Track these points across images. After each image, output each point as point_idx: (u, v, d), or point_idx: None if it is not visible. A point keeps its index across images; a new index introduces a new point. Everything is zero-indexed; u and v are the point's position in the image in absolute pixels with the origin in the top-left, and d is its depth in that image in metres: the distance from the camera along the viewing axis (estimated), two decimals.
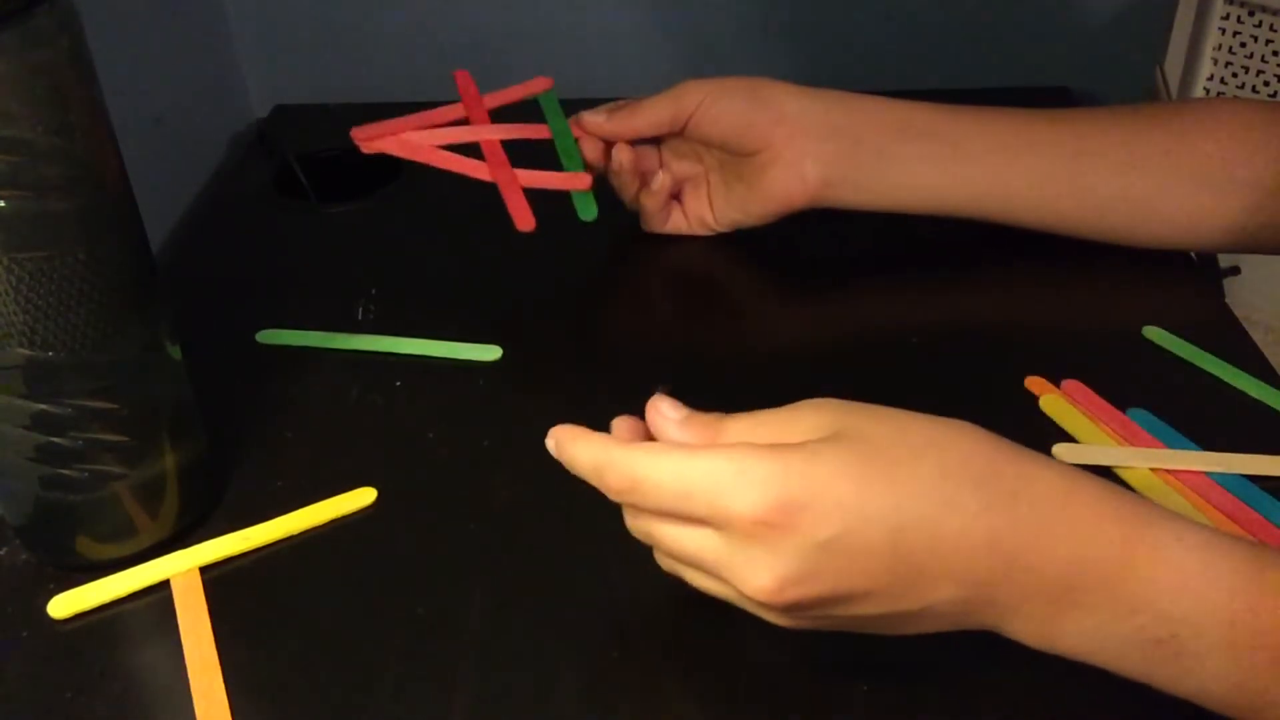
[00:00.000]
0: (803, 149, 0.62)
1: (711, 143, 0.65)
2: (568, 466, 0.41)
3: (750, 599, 0.38)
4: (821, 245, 0.69)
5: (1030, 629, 0.38)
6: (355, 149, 0.82)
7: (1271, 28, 0.82)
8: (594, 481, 0.40)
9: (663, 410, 0.41)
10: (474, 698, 0.42)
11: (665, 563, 0.42)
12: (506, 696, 0.43)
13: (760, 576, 0.37)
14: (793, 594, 0.37)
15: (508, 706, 0.43)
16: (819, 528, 0.36)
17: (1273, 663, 0.36)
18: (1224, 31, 0.84)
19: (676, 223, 0.69)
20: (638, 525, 0.41)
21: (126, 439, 0.46)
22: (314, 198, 0.77)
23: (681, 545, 0.39)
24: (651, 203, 0.67)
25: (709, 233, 0.69)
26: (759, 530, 0.36)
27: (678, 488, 0.38)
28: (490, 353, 0.60)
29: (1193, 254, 0.67)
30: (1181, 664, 0.36)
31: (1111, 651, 0.37)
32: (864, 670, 0.43)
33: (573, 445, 0.41)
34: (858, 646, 0.40)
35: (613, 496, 0.40)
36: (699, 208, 0.68)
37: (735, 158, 0.64)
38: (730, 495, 0.37)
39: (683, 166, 0.68)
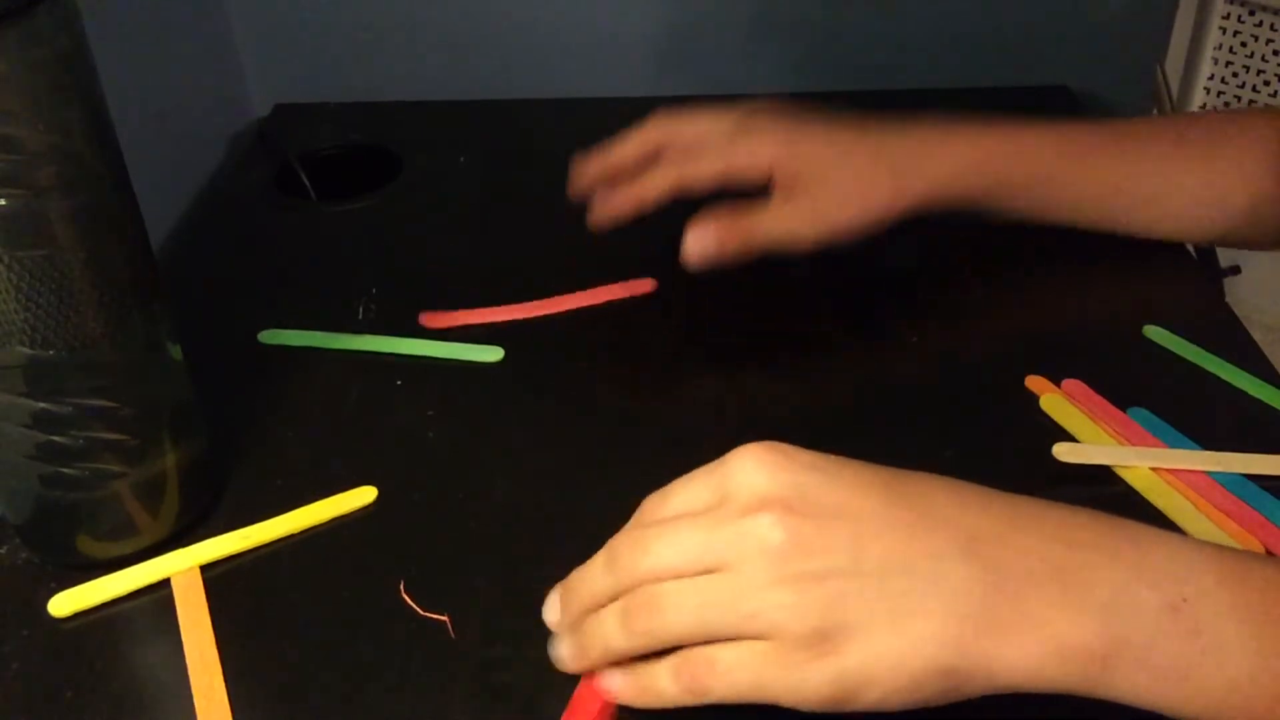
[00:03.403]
0: None
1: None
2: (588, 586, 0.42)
3: (745, 503, 0.38)
4: None
5: (1051, 625, 0.36)
6: (356, 147, 0.83)
7: (1272, 27, 0.82)
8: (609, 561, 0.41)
9: None
10: (474, 697, 0.42)
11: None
12: (507, 696, 0.43)
13: (753, 479, 0.38)
14: (783, 484, 0.38)
15: (508, 706, 0.43)
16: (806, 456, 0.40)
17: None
18: (1224, 31, 0.85)
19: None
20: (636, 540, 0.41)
21: (127, 437, 0.46)
22: (315, 197, 0.77)
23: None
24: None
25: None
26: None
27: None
28: (492, 353, 0.60)
29: (1191, 250, 0.67)
30: (1202, 643, 0.36)
31: (1144, 637, 0.36)
32: None
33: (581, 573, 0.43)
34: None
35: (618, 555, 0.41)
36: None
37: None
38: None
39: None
